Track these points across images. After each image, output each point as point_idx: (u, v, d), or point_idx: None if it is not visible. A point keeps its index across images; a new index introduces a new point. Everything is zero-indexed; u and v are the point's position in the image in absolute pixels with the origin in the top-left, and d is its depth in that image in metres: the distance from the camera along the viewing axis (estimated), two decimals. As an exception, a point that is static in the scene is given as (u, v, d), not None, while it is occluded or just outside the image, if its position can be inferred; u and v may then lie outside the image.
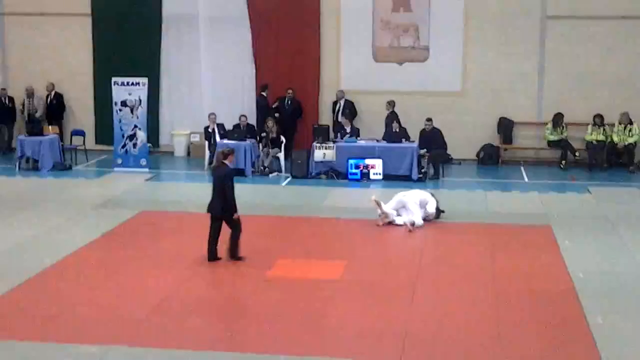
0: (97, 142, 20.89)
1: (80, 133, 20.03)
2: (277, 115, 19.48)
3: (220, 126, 18.72)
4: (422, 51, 19.91)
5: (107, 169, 18.71)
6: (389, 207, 13.67)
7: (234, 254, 11.48)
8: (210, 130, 18.75)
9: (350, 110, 19.55)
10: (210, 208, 11.55)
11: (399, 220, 13.56)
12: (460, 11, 19.61)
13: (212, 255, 11.46)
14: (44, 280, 10.67)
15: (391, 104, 19.16)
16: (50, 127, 19.64)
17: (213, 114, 18.95)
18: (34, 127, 18.99)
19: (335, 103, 19.92)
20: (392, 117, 18.88)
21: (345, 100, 19.76)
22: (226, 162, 11.54)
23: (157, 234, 13.12)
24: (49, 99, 20.80)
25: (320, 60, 20.19)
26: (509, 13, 19.45)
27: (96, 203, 15.11)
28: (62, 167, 18.54)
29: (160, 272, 11.05)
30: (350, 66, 20.14)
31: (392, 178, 17.42)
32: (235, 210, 11.40)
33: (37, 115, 20.40)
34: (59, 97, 20.86)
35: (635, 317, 9.45)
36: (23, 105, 20.69)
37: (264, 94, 19.84)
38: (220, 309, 9.59)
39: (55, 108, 20.80)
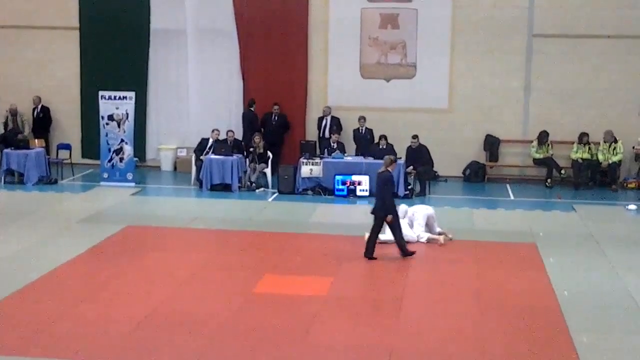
0: (84, 156, 20.85)
1: (67, 147, 19.96)
2: (262, 130, 19.53)
3: (219, 142, 18.62)
4: (410, 68, 20.00)
5: (93, 183, 18.65)
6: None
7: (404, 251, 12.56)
8: (208, 144, 18.65)
9: (337, 126, 19.60)
10: (374, 210, 12.65)
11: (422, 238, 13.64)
12: (448, 29, 19.73)
13: (369, 253, 12.51)
14: (28, 295, 10.60)
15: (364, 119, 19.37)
16: (36, 140, 19.58)
17: (217, 130, 18.82)
18: (20, 142, 18.91)
19: (321, 119, 19.96)
20: (369, 132, 19.19)
21: (332, 116, 19.81)
22: (389, 169, 12.84)
23: (143, 249, 13.06)
24: (35, 112, 20.73)
25: (307, 75, 20.26)
26: (496, 31, 19.58)
27: (82, 217, 15.05)
28: (47, 180, 18.48)
29: (145, 287, 11.01)
30: (337, 82, 20.21)
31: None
32: (391, 213, 12.49)
33: (25, 133, 20.26)
34: (45, 110, 20.79)
35: (620, 336, 9.48)
36: (5, 124, 20.50)
37: (251, 109, 19.85)
38: (206, 325, 9.55)
39: (42, 121, 20.72)
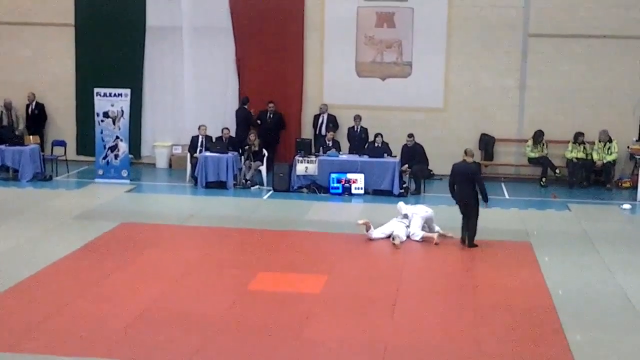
0: (79, 152, 20.82)
1: (62, 143, 19.93)
2: (259, 122, 19.53)
3: (209, 138, 18.68)
4: (405, 67, 20.01)
5: (88, 180, 18.62)
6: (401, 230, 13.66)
7: (471, 242, 13.23)
8: (199, 141, 18.67)
9: (333, 124, 19.60)
10: (460, 198, 13.41)
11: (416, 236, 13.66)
12: (443, 28, 19.75)
13: (463, 240, 13.37)
14: (22, 291, 10.59)
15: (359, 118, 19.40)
16: (31, 137, 19.53)
17: (204, 125, 18.88)
18: (15, 137, 18.89)
19: (317, 117, 19.96)
20: (364, 131, 19.25)
21: (328, 114, 19.81)
22: (467, 159, 13.58)
23: (138, 246, 13.05)
24: (30, 109, 20.70)
25: (303, 73, 20.25)
26: (491, 31, 19.60)
27: (76, 214, 15.03)
28: (42, 177, 18.45)
29: (139, 284, 11.00)
30: (332, 80, 20.20)
31: (374, 193, 17.48)
32: (487, 200, 13.48)
33: (20, 128, 20.22)
34: (40, 107, 20.76)
35: (614, 334, 9.50)
36: (0, 119, 20.46)
37: (245, 106, 19.85)
38: (200, 322, 9.55)
39: (37, 118, 20.69)
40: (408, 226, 13.72)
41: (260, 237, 13.85)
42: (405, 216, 13.87)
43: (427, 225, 13.83)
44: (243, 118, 19.75)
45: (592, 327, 9.68)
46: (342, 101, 20.09)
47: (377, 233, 13.60)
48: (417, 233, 13.63)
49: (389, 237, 13.50)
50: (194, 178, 18.23)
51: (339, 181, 17.53)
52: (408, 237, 13.58)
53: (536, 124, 19.42)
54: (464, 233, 13.40)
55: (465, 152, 13.70)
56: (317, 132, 19.73)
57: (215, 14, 20.30)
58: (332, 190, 17.53)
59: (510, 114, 19.86)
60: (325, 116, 19.81)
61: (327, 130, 19.24)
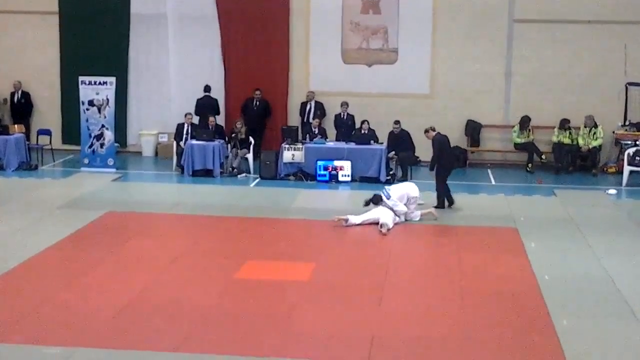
0: (64, 141, 20.70)
1: (47, 132, 19.81)
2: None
3: (194, 127, 18.62)
4: (391, 53, 19.99)
5: (74, 169, 18.55)
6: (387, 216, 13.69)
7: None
8: (185, 129, 18.60)
9: (321, 111, 19.58)
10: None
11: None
12: (429, 14, 19.72)
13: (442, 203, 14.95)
14: (8, 282, 10.55)
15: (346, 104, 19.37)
16: (16, 126, 19.41)
17: (190, 113, 18.81)
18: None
19: (304, 104, 19.92)
20: (350, 118, 19.24)
21: (316, 101, 19.78)
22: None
23: (124, 235, 13.02)
24: (15, 98, 20.57)
25: (289, 61, 20.19)
26: (477, 16, 19.59)
27: (62, 203, 14.97)
28: (27, 166, 18.35)
29: (126, 273, 10.98)
30: (319, 67, 20.16)
31: (361, 180, 17.49)
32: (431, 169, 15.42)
33: (3, 118, 20.12)
34: (25, 96, 20.64)
35: (601, 319, 9.56)
36: None
37: (208, 93, 19.72)
38: (187, 311, 9.54)
39: (22, 107, 20.56)
40: (394, 211, 13.73)
41: (248, 225, 13.84)
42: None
43: (407, 204, 13.91)
44: (204, 105, 19.54)
45: (578, 312, 9.73)
46: (328, 88, 20.05)
47: (356, 219, 13.57)
48: (415, 213, 13.93)
49: (377, 223, 13.51)
50: (180, 166, 18.19)
51: (325, 168, 17.52)
52: (396, 222, 13.61)
53: (522, 110, 19.45)
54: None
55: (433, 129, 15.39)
56: (305, 120, 19.69)
57: (200, 2, 20.20)
58: (319, 178, 17.52)
59: (497, 100, 19.88)
60: (313, 103, 19.77)
61: (315, 118, 19.20)
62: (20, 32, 20.82)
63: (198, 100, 19.79)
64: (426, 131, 15.43)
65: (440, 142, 15.20)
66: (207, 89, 19.80)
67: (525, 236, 13.08)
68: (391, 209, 13.74)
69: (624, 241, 12.97)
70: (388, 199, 13.82)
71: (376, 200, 13.83)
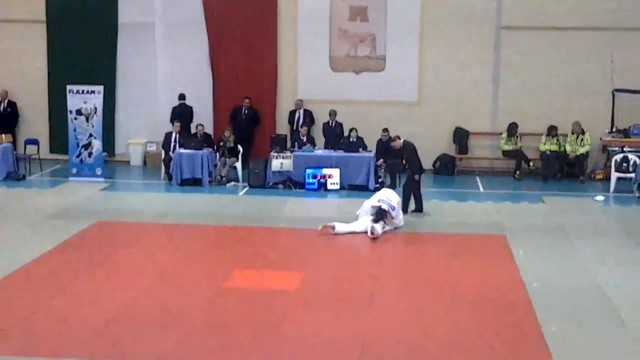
0: (52, 151, 20.67)
1: (34, 142, 19.77)
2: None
3: (183, 135, 18.60)
4: (379, 61, 20.04)
5: (62, 179, 18.49)
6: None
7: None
8: (173, 138, 18.57)
9: (310, 119, 19.60)
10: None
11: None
12: (417, 21, 19.80)
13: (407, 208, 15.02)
14: (-3, 292, 10.51)
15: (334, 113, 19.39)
16: (3, 135, 19.32)
17: (177, 122, 18.81)
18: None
19: (293, 112, 19.93)
20: (339, 126, 19.29)
21: (304, 109, 19.80)
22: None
23: (113, 245, 12.98)
24: (2, 107, 20.50)
25: (277, 68, 20.22)
26: (464, 23, 19.67)
27: (51, 213, 14.92)
28: (15, 176, 18.27)
29: (116, 282, 10.95)
30: (307, 75, 20.20)
31: (350, 188, 17.51)
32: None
33: None
34: (12, 105, 20.57)
35: (589, 326, 9.58)
36: None
37: (183, 101, 19.71)
38: (178, 320, 9.52)
39: (8, 116, 20.49)
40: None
41: (237, 234, 13.82)
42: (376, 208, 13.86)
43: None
44: (179, 114, 19.52)
45: (567, 319, 9.75)
46: (316, 96, 20.09)
47: (344, 227, 13.56)
48: (400, 218, 14.01)
49: (365, 232, 13.50)
50: (168, 175, 18.16)
51: (314, 177, 17.53)
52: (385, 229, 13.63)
53: (509, 117, 19.53)
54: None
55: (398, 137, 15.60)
56: (294, 128, 19.69)
57: (188, 10, 20.21)
58: (307, 186, 17.53)
59: (484, 107, 19.96)
60: (302, 112, 19.79)
61: (304, 126, 19.21)
62: (7, 40, 20.76)
63: (174, 107, 19.80)
64: (393, 140, 15.68)
65: (412, 146, 15.42)
66: (181, 96, 19.82)
67: (514, 243, 13.11)
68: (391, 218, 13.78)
69: (611, 247, 13.03)
70: (393, 210, 13.82)
71: (383, 216, 13.71)
